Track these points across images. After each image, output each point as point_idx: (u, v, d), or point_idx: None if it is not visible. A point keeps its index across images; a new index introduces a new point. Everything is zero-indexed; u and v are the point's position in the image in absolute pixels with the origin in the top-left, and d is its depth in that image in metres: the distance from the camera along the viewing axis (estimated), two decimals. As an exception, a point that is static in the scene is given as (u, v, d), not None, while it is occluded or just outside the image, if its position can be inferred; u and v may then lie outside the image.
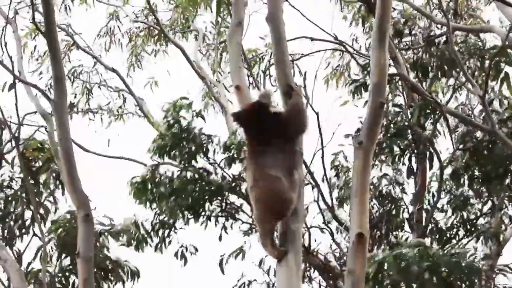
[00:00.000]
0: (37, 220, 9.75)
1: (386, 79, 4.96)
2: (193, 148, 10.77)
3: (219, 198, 11.00)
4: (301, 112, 4.92)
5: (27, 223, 10.50)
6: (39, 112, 9.59)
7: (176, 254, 11.48)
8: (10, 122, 10.16)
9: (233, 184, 10.95)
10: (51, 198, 10.63)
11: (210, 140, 10.90)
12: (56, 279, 10.09)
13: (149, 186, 10.72)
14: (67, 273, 10.15)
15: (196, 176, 10.74)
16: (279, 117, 4.82)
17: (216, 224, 11.20)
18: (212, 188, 10.77)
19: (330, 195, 10.99)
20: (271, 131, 4.78)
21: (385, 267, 8.57)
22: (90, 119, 14.39)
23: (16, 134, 9.86)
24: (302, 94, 5.05)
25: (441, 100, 11.17)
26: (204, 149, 10.84)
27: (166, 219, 11.14)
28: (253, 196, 4.78)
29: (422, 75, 11.11)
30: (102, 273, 10.30)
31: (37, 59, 15.09)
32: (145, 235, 11.06)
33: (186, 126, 10.81)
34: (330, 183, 11.02)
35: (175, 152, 10.82)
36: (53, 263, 10.19)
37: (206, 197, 10.83)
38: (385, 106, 10.13)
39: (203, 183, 10.77)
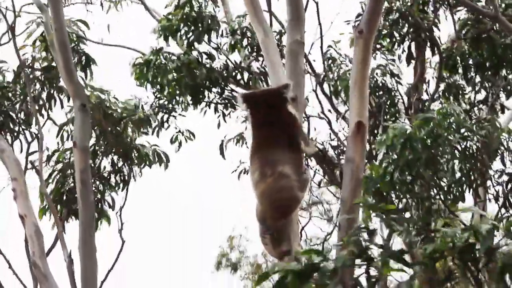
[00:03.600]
0: (35, 113, 9.70)
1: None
2: (201, 29, 10.63)
3: (220, 85, 10.96)
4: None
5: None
6: (34, 3, 9.42)
7: (171, 140, 11.51)
8: (6, 9, 10.07)
9: (234, 72, 10.87)
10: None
11: (218, 24, 10.79)
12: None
13: (151, 66, 10.67)
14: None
15: (199, 59, 10.71)
16: (294, 120, 4.74)
17: (215, 112, 11.21)
18: (213, 75, 10.74)
19: (328, 86, 10.95)
20: (281, 127, 4.68)
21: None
22: (87, 10, 14.10)
23: (13, 25, 9.79)
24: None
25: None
26: (212, 31, 10.73)
27: (166, 103, 11.18)
28: (258, 191, 4.61)
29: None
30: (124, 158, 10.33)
31: None
32: (146, 117, 10.98)
33: (198, 7, 10.70)
34: (327, 74, 10.93)
35: (181, 35, 10.72)
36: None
37: (207, 83, 10.80)
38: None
39: (205, 68, 10.72)
